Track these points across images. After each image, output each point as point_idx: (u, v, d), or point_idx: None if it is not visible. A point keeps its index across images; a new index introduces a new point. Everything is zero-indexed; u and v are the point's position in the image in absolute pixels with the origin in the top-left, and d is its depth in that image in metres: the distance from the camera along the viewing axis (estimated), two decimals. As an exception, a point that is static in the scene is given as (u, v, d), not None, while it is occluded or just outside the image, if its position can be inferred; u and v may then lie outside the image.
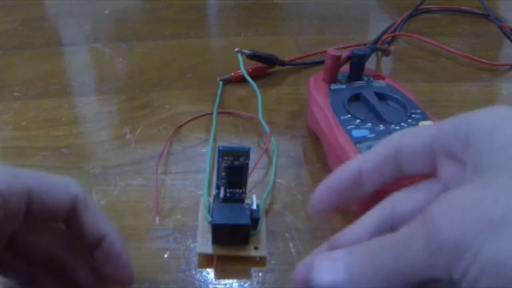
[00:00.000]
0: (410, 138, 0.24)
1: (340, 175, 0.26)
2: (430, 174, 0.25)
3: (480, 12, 0.71)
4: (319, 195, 0.26)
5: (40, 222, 0.26)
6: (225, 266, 0.32)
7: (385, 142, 0.25)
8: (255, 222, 0.32)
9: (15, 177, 0.24)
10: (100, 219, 0.27)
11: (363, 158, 0.26)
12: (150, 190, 0.38)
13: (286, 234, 0.34)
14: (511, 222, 0.16)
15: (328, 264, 0.21)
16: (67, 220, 0.26)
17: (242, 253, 0.32)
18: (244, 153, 0.32)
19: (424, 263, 0.18)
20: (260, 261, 0.32)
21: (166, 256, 0.33)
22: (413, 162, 0.24)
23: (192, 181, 0.39)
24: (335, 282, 0.20)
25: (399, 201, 0.24)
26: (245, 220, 0.31)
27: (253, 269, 0.32)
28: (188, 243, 0.34)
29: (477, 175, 0.20)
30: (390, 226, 0.24)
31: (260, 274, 0.31)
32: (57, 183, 0.26)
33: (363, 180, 0.25)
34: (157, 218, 0.36)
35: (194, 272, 0.32)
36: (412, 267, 0.18)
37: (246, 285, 0.31)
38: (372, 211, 0.25)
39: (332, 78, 0.44)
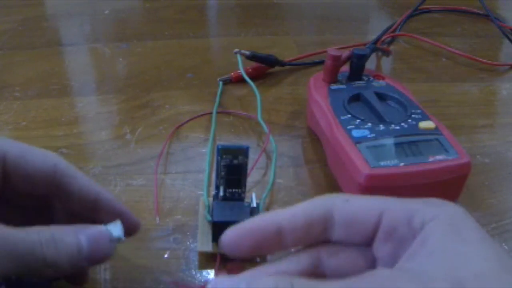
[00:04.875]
0: (352, 204, 0.23)
1: (258, 223, 0.24)
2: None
3: (480, 12, 0.71)
4: (232, 237, 0.24)
5: (22, 192, 0.27)
6: (226, 266, 0.32)
7: (313, 203, 0.24)
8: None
9: None
10: (87, 183, 0.27)
11: (285, 215, 0.24)
12: (150, 190, 0.38)
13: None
14: None
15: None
16: (53, 190, 0.26)
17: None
18: (242, 152, 0.32)
19: None
20: (260, 261, 0.32)
21: (166, 256, 0.33)
22: (350, 230, 0.23)
23: (192, 181, 0.39)
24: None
25: (328, 253, 0.24)
26: (245, 217, 0.31)
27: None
28: (188, 243, 0.34)
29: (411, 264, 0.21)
30: (313, 272, 0.24)
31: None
32: (36, 152, 0.26)
33: (284, 237, 0.23)
34: (157, 218, 0.36)
35: (194, 272, 0.32)
36: None
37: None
38: (298, 254, 0.24)
39: (332, 78, 0.44)
